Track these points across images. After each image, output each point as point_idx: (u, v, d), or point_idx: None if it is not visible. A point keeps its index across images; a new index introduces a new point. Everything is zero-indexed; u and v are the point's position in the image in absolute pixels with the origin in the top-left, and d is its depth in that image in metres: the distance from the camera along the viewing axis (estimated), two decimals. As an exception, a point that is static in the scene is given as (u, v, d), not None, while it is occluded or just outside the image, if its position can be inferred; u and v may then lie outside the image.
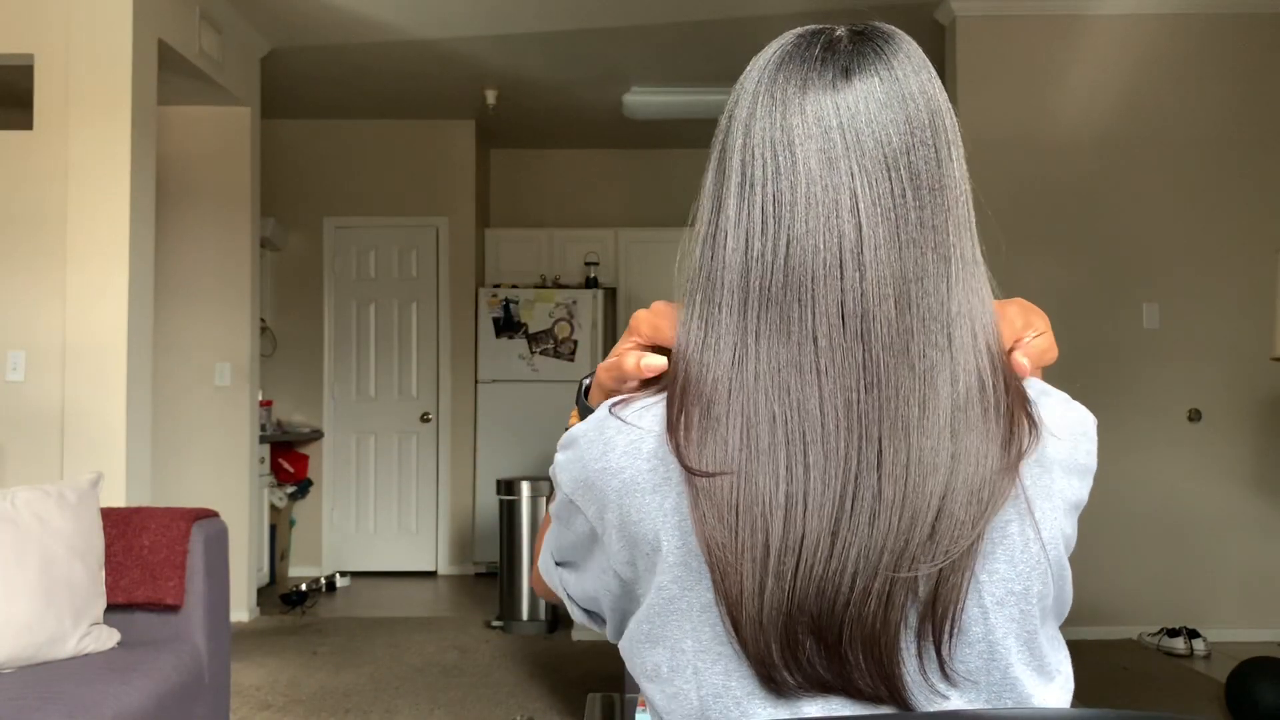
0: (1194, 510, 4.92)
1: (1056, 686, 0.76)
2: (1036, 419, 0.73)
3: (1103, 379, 4.87)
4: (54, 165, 4.02)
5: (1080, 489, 0.77)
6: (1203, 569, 4.91)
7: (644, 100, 6.21)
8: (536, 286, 7.05)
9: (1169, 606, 4.87)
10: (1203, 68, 4.99)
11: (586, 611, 0.87)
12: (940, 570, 0.69)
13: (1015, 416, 0.72)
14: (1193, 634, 4.63)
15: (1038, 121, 4.90)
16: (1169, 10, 4.97)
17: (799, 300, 0.72)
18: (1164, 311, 4.96)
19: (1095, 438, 0.80)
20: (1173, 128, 4.99)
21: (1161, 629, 4.75)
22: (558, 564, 0.88)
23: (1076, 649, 4.47)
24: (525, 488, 5.22)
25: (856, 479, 0.69)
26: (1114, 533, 4.89)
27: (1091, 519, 5.55)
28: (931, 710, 0.72)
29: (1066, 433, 0.77)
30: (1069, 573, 0.77)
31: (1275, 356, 4.23)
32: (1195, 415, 4.94)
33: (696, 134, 6.86)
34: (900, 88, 0.74)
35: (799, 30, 0.79)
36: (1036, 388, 0.79)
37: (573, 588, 0.86)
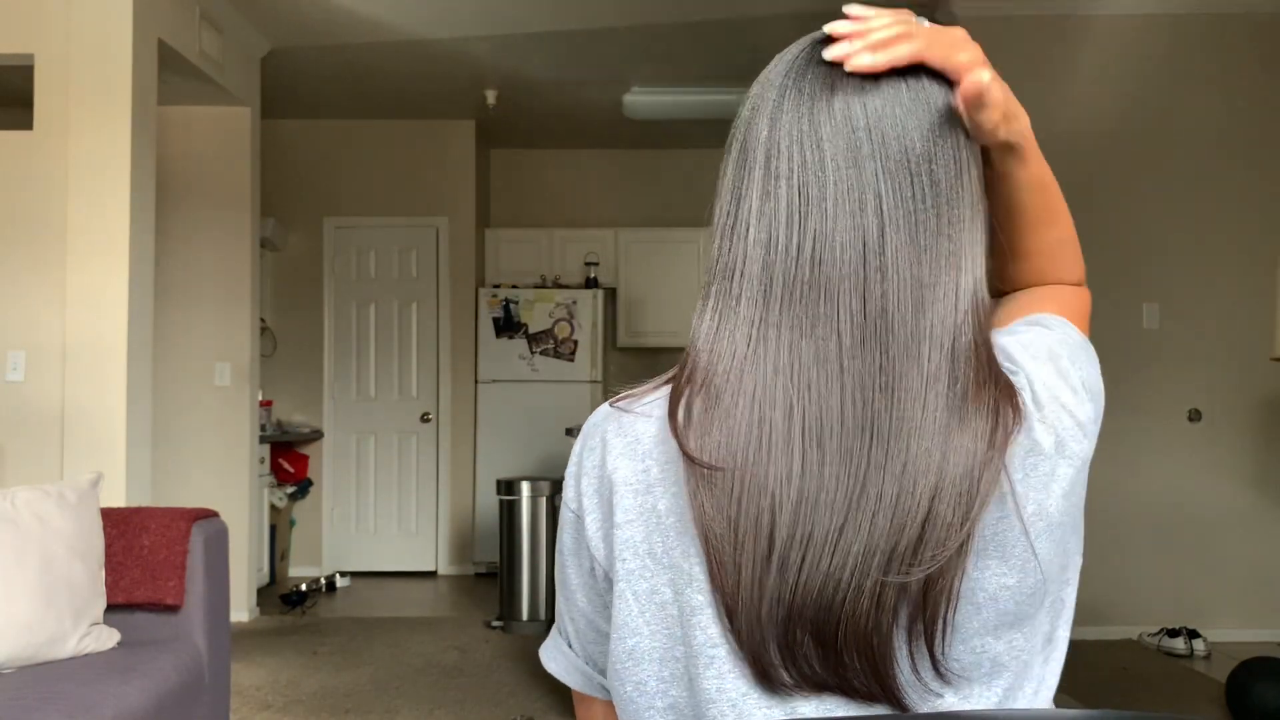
0: (1194, 510, 4.92)
1: (1054, 661, 0.77)
2: (1023, 407, 0.72)
3: (1103, 379, 4.87)
4: (54, 165, 4.02)
5: (1079, 455, 0.74)
6: (1203, 569, 4.91)
7: (644, 100, 6.21)
8: (536, 286, 7.05)
9: (1169, 606, 4.87)
10: (1203, 68, 4.99)
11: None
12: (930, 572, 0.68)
13: (1001, 411, 0.71)
14: (1193, 634, 4.63)
15: (1037, 121, 4.82)
16: (1169, 10, 4.97)
17: (824, 296, 0.72)
18: (1164, 311, 4.96)
19: (1097, 374, 0.78)
20: (1172, 128, 4.99)
21: (1161, 629, 4.75)
22: (573, 641, 0.87)
23: (1077, 649, 4.47)
24: (525, 488, 5.22)
25: (866, 478, 0.69)
26: (1114, 533, 4.89)
27: (1092, 519, 5.52)
28: (927, 707, 0.71)
29: (1056, 400, 0.75)
30: (1074, 544, 0.75)
31: (1275, 356, 4.23)
32: (1195, 415, 4.94)
33: (696, 134, 6.86)
34: (925, 95, 0.75)
35: (823, 31, 0.79)
36: (1028, 345, 0.77)
37: (586, 636, 0.85)
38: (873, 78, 0.75)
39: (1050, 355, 0.77)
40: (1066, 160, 4.90)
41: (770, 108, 0.76)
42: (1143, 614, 4.88)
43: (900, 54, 0.74)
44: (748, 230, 0.75)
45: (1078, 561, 0.78)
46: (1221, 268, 4.96)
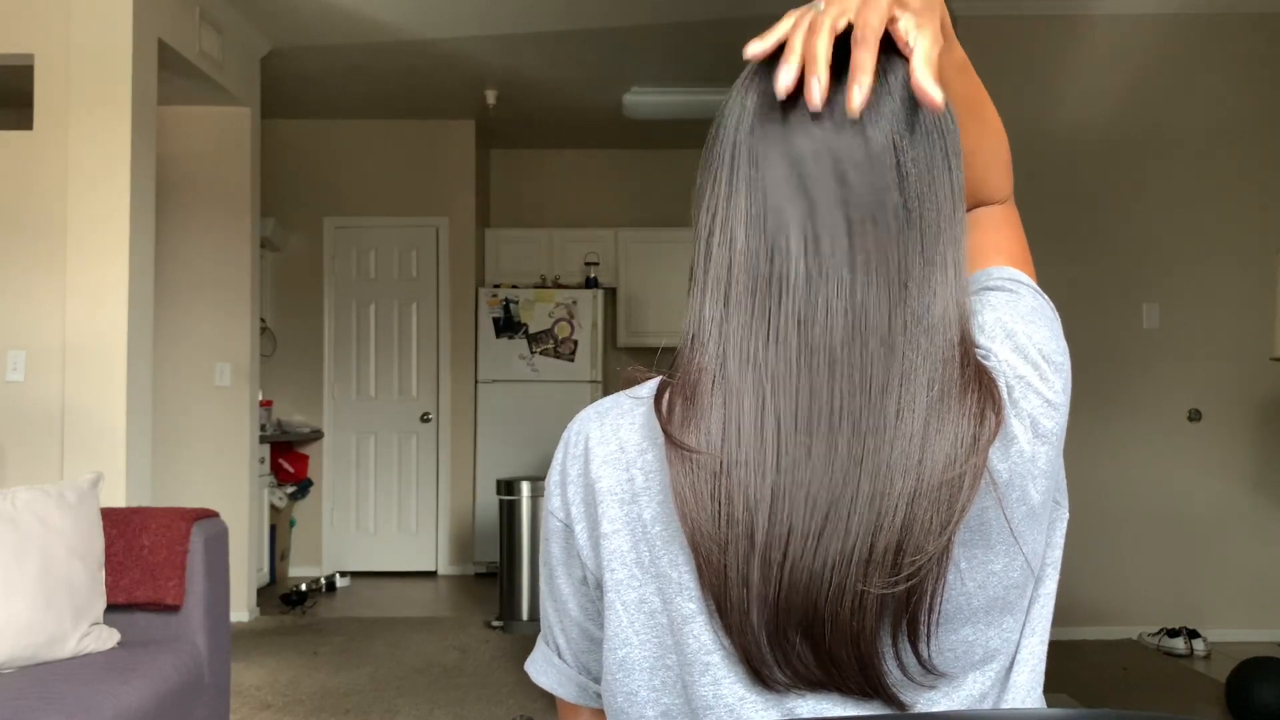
0: (1194, 510, 4.92)
1: (1040, 633, 0.76)
2: (1001, 401, 0.71)
3: (1103, 379, 4.87)
4: (54, 165, 4.01)
5: (1054, 433, 0.74)
6: (1203, 569, 4.91)
7: (644, 100, 6.21)
8: (536, 286, 7.05)
9: (1169, 606, 4.87)
10: (1203, 68, 4.99)
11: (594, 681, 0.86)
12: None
13: (985, 411, 0.70)
14: (1193, 634, 4.63)
15: (1038, 122, 4.90)
16: (1169, 10, 4.97)
17: (781, 296, 0.71)
18: (1164, 311, 4.96)
19: (1053, 337, 0.77)
20: (1173, 128, 4.99)
21: (1161, 629, 4.75)
22: (563, 647, 0.87)
23: (1077, 649, 4.46)
24: (525, 488, 5.22)
25: (844, 474, 0.68)
26: (1114, 533, 4.89)
27: (1092, 519, 5.53)
28: (923, 699, 0.72)
29: (1023, 381, 0.74)
30: (1059, 498, 0.76)
31: (1275, 356, 4.23)
32: (1195, 415, 4.94)
33: (696, 134, 6.84)
34: (888, 89, 0.73)
35: None
36: (983, 326, 0.76)
37: (578, 644, 0.86)
38: (832, 77, 0.72)
39: (1006, 333, 0.76)
40: (1066, 160, 4.93)
41: (736, 112, 0.76)
42: (1143, 614, 4.88)
43: (862, 63, 0.68)
44: (713, 236, 0.75)
45: (1063, 517, 0.78)
46: (1221, 268, 4.96)
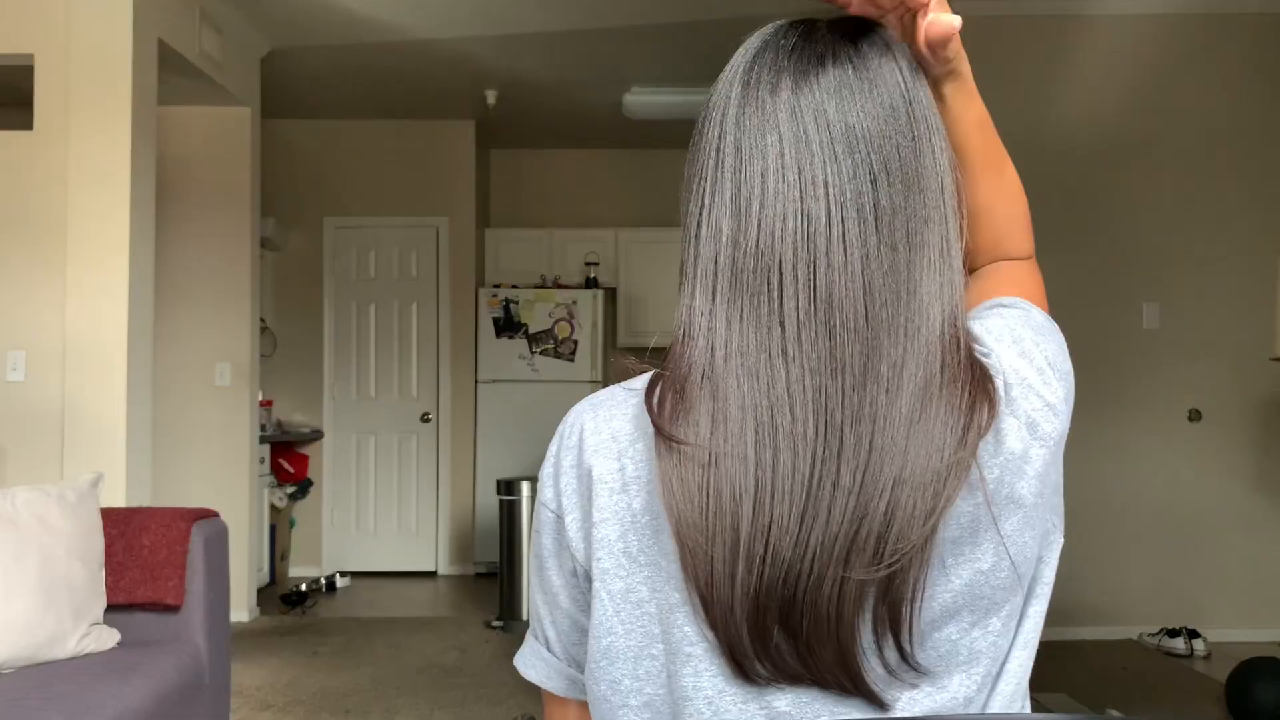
0: (1194, 510, 4.92)
1: (1029, 646, 0.76)
2: (995, 397, 0.71)
3: (1103, 379, 4.87)
4: (54, 165, 4.01)
5: (1051, 436, 0.73)
6: (1203, 569, 4.91)
7: (644, 100, 6.21)
8: (536, 286, 7.05)
9: (1169, 606, 4.87)
10: (1203, 68, 4.99)
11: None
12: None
13: (976, 404, 0.69)
14: (1193, 634, 4.63)
15: (1038, 122, 4.90)
16: (1169, 10, 4.96)
17: (767, 284, 0.71)
18: (1164, 311, 4.96)
19: (1061, 352, 0.77)
20: (1173, 127, 4.99)
21: (1161, 629, 4.75)
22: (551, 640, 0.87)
23: (1077, 649, 4.47)
24: (525, 488, 5.23)
25: (821, 465, 0.68)
26: (1113, 532, 4.89)
27: (1092, 519, 5.53)
28: (904, 698, 0.71)
29: (1024, 383, 0.74)
30: (1054, 522, 0.76)
31: (1275, 356, 4.23)
32: (1195, 415, 4.94)
33: (696, 134, 6.84)
34: (873, 76, 0.74)
35: (781, 21, 0.80)
36: (990, 330, 0.76)
37: (564, 632, 0.85)
38: (819, 61, 0.74)
39: (1013, 338, 0.76)
40: (1066, 160, 4.93)
41: (720, 103, 0.77)
42: (1143, 614, 4.88)
43: None
44: (701, 227, 0.75)
45: (1057, 540, 0.77)
46: (1221, 268, 4.96)
